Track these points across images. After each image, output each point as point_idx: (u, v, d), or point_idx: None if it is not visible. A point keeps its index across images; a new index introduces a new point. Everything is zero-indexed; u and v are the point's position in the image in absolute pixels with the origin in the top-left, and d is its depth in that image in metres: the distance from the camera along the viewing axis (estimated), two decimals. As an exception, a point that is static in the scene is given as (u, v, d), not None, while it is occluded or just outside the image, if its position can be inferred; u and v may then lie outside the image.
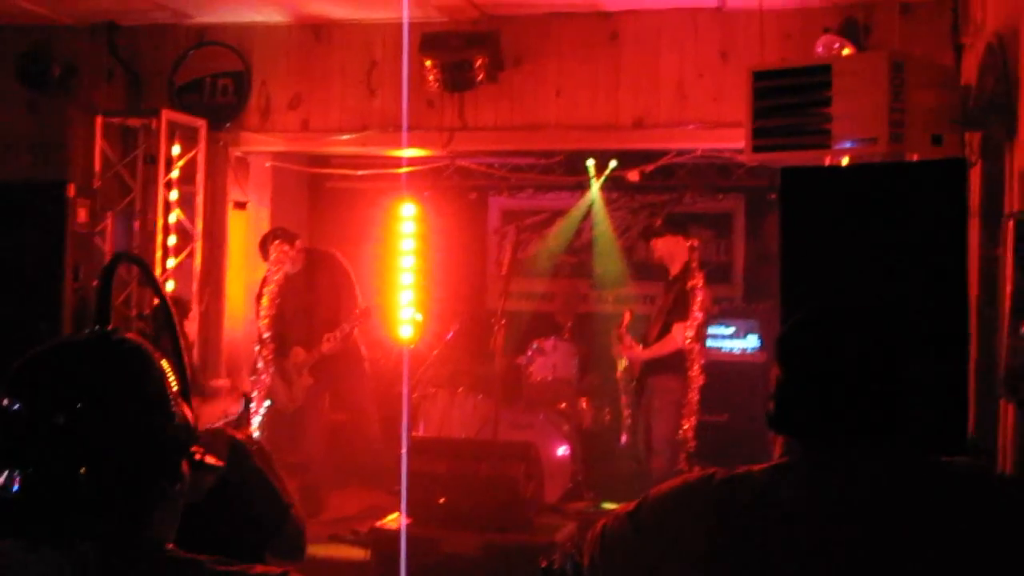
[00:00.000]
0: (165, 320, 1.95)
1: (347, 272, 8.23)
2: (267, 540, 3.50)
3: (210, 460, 1.78)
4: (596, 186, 9.85)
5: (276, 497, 3.47)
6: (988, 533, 2.00)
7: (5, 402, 1.65)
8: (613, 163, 9.41)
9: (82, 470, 1.62)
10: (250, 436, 3.94)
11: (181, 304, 7.71)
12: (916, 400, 2.13)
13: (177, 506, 1.75)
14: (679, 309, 7.49)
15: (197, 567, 1.69)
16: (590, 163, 9.64)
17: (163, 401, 1.72)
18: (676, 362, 7.48)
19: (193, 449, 1.77)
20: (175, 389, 1.75)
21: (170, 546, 1.72)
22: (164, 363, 1.76)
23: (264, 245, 8.01)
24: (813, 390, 2.11)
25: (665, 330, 7.56)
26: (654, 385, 7.61)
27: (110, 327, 1.78)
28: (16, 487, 1.61)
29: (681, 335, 7.43)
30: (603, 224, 10.34)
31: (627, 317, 7.98)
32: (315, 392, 8.17)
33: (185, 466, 1.75)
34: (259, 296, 8.03)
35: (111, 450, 1.64)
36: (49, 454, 1.62)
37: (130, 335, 1.78)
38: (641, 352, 7.72)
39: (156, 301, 7.58)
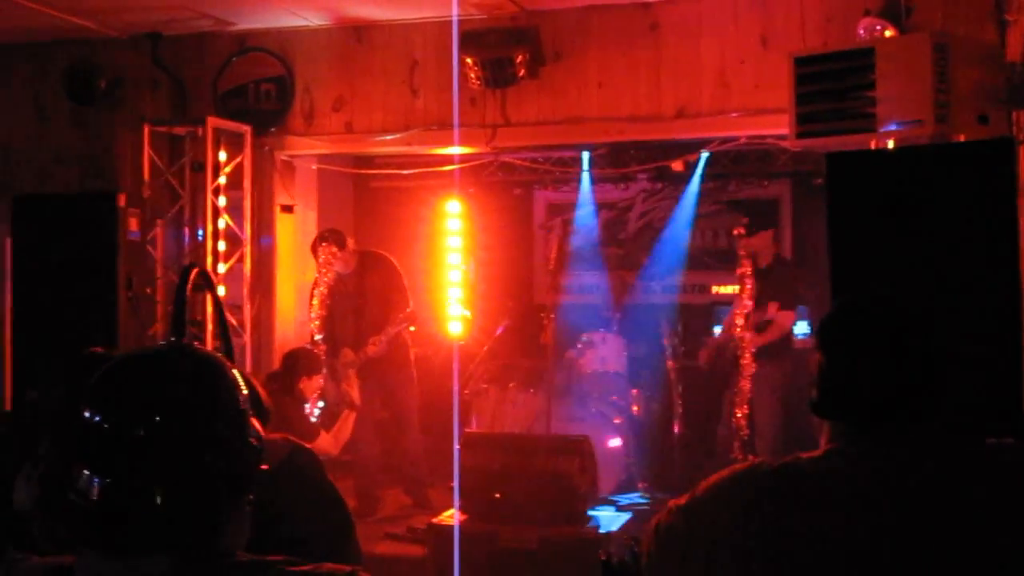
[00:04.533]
0: (220, 330, 1.98)
1: (398, 275, 8.19)
2: (321, 552, 3.49)
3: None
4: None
5: (344, 512, 3.45)
6: None
7: (87, 414, 1.68)
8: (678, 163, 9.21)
9: (159, 482, 1.64)
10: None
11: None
12: (954, 382, 2.16)
13: (248, 515, 1.77)
14: (781, 297, 7.81)
15: (268, 570, 1.71)
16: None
17: (237, 413, 1.74)
18: (779, 348, 7.82)
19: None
20: (246, 400, 1.77)
21: (241, 553, 1.74)
22: (237, 375, 1.78)
23: (314, 248, 8.04)
24: (854, 375, 2.15)
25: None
26: (759, 372, 7.64)
27: (185, 340, 1.81)
28: (95, 496, 1.64)
29: (789, 321, 7.87)
30: (652, 214, 10.32)
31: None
32: (364, 393, 8.21)
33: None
34: (311, 299, 8.07)
35: (188, 463, 1.66)
36: (127, 466, 1.64)
37: (203, 347, 1.80)
38: (752, 338, 7.72)
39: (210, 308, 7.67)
